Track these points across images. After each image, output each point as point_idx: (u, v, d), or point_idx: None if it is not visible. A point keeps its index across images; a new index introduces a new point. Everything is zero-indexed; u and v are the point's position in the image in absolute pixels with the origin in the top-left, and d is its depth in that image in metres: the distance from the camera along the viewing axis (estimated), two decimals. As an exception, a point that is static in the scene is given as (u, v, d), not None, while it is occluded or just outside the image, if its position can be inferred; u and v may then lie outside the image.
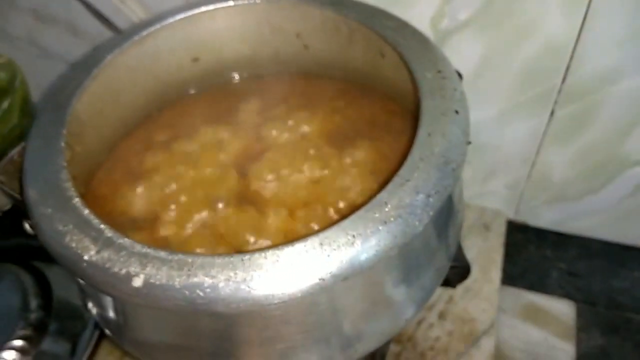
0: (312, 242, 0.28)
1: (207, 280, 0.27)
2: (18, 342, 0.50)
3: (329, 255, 0.28)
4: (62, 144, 0.34)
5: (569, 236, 0.63)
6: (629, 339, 0.54)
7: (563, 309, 0.57)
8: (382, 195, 0.30)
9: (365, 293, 0.32)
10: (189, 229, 0.38)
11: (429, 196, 0.30)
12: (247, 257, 0.28)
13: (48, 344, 0.51)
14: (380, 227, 0.28)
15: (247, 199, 0.40)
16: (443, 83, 0.36)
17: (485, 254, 0.58)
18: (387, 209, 0.29)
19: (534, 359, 0.53)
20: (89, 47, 0.63)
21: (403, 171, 0.31)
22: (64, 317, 0.53)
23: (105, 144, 0.43)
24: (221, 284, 0.27)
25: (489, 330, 0.52)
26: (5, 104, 0.67)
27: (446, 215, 0.36)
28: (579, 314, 0.56)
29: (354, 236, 0.28)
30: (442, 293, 0.55)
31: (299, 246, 0.28)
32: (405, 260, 0.33)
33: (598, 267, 0.60)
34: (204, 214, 0.39)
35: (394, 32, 0.40)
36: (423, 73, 0.36)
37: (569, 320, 0.56)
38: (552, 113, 0.52)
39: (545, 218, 0.63)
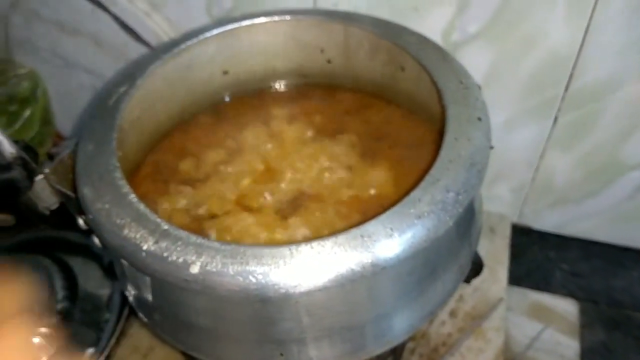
0: (353, 234, 0.31)
1: (259, 268, 0.30)
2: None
3: (369, 246, 0.30)
4: (114, 146, 0.37)
5: (570, 238, 0.66)
6: (630, 334, 0.57)
7: (567, 307, 0.60)
8: (416, 192, 0.32)
9: (398, 285, 0.35)
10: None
11: (458, 194, 0.33)
12: (294, 247, 0.30)
13: (73, 333, 0.53)
14: (416, 221, 0.31)
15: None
16: (465, 93, 0.39)
17: (492, 256, 0.61)
18: (420, 205, 0.32)
19: (540, 354, 0.56)
20: (112, 59, 0.65)
21: (434, 171, 0.34)
22: (88, 307, 0.56)
23: (141, 149, 0.46)
24: (272, 271, 0.30)
25: (498, 327, 0.55)
26: (27, 113, 0.70)
27: (470, 215, 0.39)
28: (582, 312, 0.59)
29: (391, 229, 0.31)
30: (452, 292, 0.58)
31: (341, 238, 0.31)
32: (435, 254, 0.35)
33: (598, 267, 0.63)
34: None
35: (417, 46, 0.43)
36: (446, 84, 0.40)
37: (572, 318, 0.59)
38: (555, 120, 0.56)
39: (547, 221, 0.66)
